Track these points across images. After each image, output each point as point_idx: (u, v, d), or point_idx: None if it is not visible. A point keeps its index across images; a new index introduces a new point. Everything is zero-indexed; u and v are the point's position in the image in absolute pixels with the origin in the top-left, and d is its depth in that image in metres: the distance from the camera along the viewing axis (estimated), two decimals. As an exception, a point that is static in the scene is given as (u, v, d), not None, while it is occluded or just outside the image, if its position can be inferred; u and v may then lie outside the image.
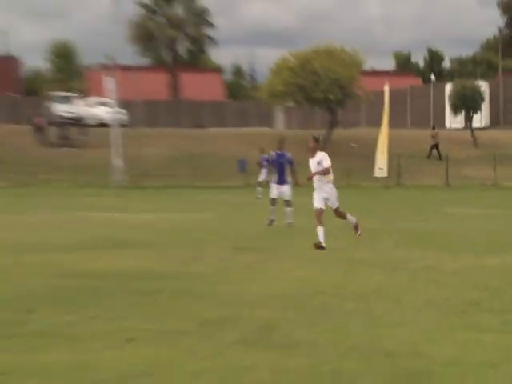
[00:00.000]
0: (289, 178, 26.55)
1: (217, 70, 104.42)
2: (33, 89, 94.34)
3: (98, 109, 68.21)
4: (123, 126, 56.74)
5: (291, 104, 71.74)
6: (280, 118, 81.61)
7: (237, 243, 20.01)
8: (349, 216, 20.44)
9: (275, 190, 26.24)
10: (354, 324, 10.48)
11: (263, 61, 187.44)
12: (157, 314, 11.17)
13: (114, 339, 9.58)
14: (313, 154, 20.39)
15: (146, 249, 18.80)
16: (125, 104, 60.90)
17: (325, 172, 19.79)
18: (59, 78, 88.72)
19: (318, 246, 18.78)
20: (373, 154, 54.06)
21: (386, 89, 54.72)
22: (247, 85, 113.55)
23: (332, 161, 19.56)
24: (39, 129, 63.53)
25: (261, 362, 8.54)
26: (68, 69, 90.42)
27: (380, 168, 51.38)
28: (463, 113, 68.03)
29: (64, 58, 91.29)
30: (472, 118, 67.75)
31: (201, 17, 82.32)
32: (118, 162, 53.83)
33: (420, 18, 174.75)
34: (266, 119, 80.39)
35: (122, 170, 53.25)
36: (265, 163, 37.49)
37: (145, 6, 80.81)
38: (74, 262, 16.30)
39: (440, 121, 72.41)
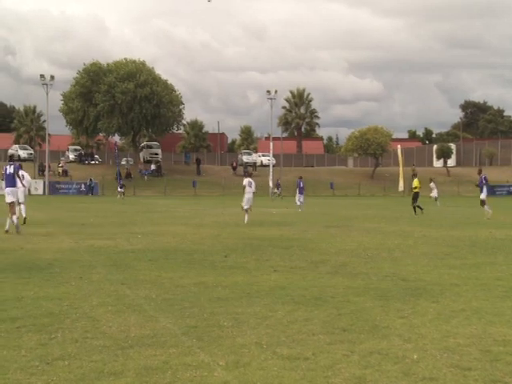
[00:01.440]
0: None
1: (320, 138, 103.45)
2: (232, 149, 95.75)
3: (262, 158, 68.55)
4: (273, 166, 56.78)
5: (355, 155, 70.65)
6: (350, 162, 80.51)
7: (326, 223, 19.76)
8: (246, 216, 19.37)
9: None
10: (385, 264, 10.18)
11: (342, 134, 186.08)
12: (287, 257, 11.03)
13: (267, 269, 9.51)
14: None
15: (282, 225, 18.65)
16: (274, 156, 60.91)
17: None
18: (244, 143, 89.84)
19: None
20: (396, 180, 52.80)
21: (399, 146, 53.24)
22: (334, 146, 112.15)
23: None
24: (234, 168, 64.28)
25: (338, 283, 8.34)
26: (249, 138, 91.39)
27: (400, 186, 50.12)
28: (442, 159, 67.03)
29: (246, 134, 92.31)
30: (447, 161, 66.76)
31: (312, 113, 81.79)
32: (270, 183, 54.05)
33: (420, 113, 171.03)
34: (344, 162, 79.50)
35: (272, 187, 53.33)
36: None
37: (286, 108, 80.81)
38: (247, 231, 16.33)
39: (430, 163, 70.87)
